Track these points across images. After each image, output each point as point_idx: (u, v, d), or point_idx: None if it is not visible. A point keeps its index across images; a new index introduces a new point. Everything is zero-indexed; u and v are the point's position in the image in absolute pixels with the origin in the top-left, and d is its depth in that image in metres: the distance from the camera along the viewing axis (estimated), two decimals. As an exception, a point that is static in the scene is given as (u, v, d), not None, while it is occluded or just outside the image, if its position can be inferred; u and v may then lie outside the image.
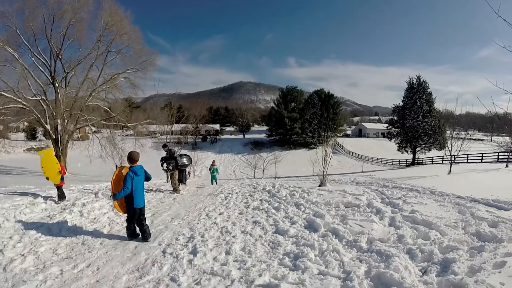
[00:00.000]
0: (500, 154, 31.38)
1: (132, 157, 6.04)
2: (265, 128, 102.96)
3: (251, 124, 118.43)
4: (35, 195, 8.76)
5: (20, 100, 25.32)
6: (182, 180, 14.44)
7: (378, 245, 5.34)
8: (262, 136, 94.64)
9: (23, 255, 4.86)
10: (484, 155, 32.61)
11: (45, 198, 8.61)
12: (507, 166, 23.06)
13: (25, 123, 40.50)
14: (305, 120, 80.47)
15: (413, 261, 4.77)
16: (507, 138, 35.81)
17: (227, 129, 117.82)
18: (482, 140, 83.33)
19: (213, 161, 21.93)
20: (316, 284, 4.16)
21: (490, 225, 6.29)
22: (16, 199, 7.90)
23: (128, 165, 6.00)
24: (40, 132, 72.42)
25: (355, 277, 4.21)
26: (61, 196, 8.63)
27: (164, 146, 13.00)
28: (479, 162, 32.03)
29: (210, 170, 20.84)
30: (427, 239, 5.68)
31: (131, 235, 6.08)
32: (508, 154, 29.81)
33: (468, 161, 32.49)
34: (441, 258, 4.72)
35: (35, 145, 66.57)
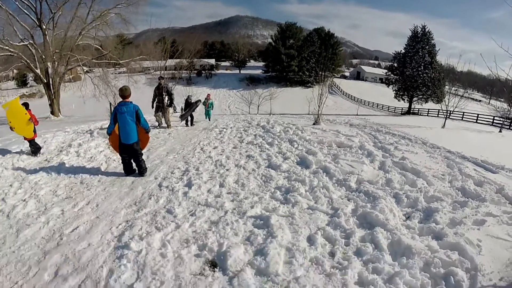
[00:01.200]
0: (495, 118, 31.44)
1: (120, 93, 6.01)
2: (261, 64, 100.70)
3: (247, 59, 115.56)
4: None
5: (7, 47, 23.84)
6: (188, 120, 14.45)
7: (366, 186, 5.54)
8: (259, 72, 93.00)
9: (24, 200, 4.90)
10: (479, 116, 32.66)
11: (41, 142, 8.51)
12: (500, 131, 23.21)
13: (15, 71, 38.95)
14: (303, 58, 78.76)
15: (398, 205, 4.97)
16: (505, 105, 35.75)
17: (223, 64, 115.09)
18: (480, 101, 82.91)
19: (208, 94, 19.77)
20: (305, 218, 4.36)
21: (476, 184, 6.36)
22: (13, 147, 7.83)
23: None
24: (30, 78, 69.62)
25: (342, 214, 4.41)
26: (36, 151, 7.52)
27: (161, 78, 12.75)
28: (474, 122, 32.04)
29: (204, 104, 18.35)
30: (414, 186, 5.87)
31: (127, 171, 6.17)
32: (503, 119, 29.92)
33: (463, 119, 32.57)
34: (425, 206, 4.90)
35: (26, 92, 64.60)
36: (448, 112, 23.86)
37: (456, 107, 23.41)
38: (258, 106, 42.03)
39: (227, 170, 6.35)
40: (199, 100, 15.25)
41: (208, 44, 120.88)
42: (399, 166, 7.11)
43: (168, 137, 10.54)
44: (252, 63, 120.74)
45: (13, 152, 7.46)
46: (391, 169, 6.74)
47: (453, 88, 27.96)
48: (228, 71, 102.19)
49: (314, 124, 14.32)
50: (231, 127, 12.42)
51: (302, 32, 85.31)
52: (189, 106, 14.34)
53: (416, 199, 5.08)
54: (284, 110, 44.37)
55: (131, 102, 5.97)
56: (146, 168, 6.26)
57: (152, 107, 12.53)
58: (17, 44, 24.98)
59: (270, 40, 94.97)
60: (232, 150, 8.31)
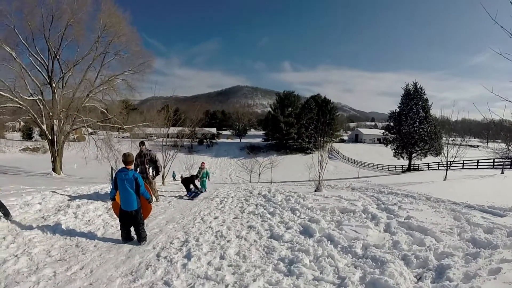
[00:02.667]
0: (495, 160, 31.49)
1: (123, 158, 6.22)
2: (261, 132, 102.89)
3: (247, 128, 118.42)
4: (30, 196, 8.67)
5: (16, 99, 25.16)
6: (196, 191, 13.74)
7: (373, 251, 5.33)
8: (259, 140, 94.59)
9: (16, 255, 4.82)
10: (479, 161, 32.71)
11: (40, 198, 8.54)
12: (502, 173, 23.09)
13: (21, 123, 40.45)
14: (302, 125, 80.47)
15: (408, 267, 4.76)
16: (503, 145, 35.97)
17: (224, 133, 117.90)
18: (478, 146, 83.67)
19: (202, 163, 17.51)
20: (310, 290, 4.14)
21: (486, 231, 6.27)
22: (10, 199, 7.81)
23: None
24: (36, 132, 72.68)
25: (350, 283, 4.20)
26: (6, 213, 6.62)
27: (142, 143, 10.93)
28: (475, 168, 32.09)
29: (198, 174, 15.99)
30: (422, 245, 5.68)
31: (124, 237, 6.07)
32: (503, 160, 29.89)
33: (464, 167, 32.55)
34: (436, 264, 4.71)
35: (31, 145, 66.59)
36: (448, 163, 23.83)
37: (455, 156, 23.42)
38: (259, 175, 42.08)
39: (228, 241, 6.15)
40: (195, 175, 14.90)
41: (210, 113, 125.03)
42: (405, 226, 6.92)
43: (168, 206, 10.44)
44: (252, 131, 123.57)
45: (11, 204, 7.37)
46: (397, 230, 6.55)
47: (450, 139, 28.11)
48: (229, 140, 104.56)
49: (315, 190, 14.20)
50: (232, 197, 12.30)
51: (299, 100, 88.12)
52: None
53: (426, 258, 4.89)
54: (285, 177, 44.47)
55: (132, 170, 6.08)
56: (146, 237, 6.12)
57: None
58: (27, 97, 26.29)
59: (269, 109, 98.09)
60: (233, 220, 8.14)
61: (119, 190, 5.97)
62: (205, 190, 15.20)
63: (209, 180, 17.83)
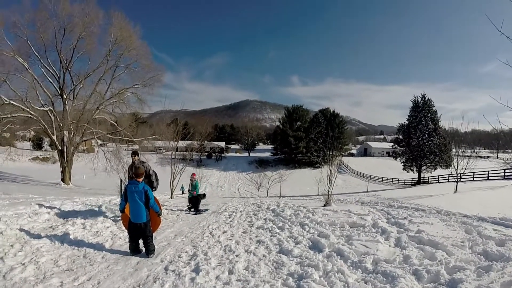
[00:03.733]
0: (506, 171, 31.14)
1: (133, 171, 6.35)
2: (270, 146, 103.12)
3: (256, 142, 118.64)
4: (39, 205, 8.76)
5: (28, 109, 25.74)
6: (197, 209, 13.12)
7: (383, 266, 5.25)
8: (267, 154, 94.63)
9: (23, 264, 4.84)
10: (490, 172, 32.35)
11: (49, 208, 8.60)
12: (513, 183, 22.84)
13: (32, 133, 41.10)
14: (310, 139, 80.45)
15: (419, 282, 4.69)
16: (513, 154, 35.75)
17: (232, 147, 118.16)
18: (488, 157, 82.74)
19: (193, 174, 15.63)
20: (320, 306, 4.09)
21: (498, 244, 6.21)
22: (19, 208, 7.90)
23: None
24: (46, 142, 73.94)
25: (360, 299, 4.15)
26: None
27: (135, 153, 9.47)
28: (485, 179, 31.75)
29: (189, 186, 14.52)
30: (433, 259, 5.60)
31: (132, 250, 6.08)
32: None
33: (475, 179, 32.22)
34: (448, 278, 4.64)
35: (40, 155, 67.40)
36: (459, 175, 23.59)
37: (465, 168, 23.18)
38: (268, 189, 41.94)
39: (236, 255, 6.12)
40: (202, 195, 14.19)
41: (219, 127, 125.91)
42: (416, 240, 6.84)
43: (176, 219, 10.48)
44: (261, 145, 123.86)
45: (20, 213, 7.43)
46: (407, 245, 6.47)
47: (460, 150, 27.89)
48: (238, 154, 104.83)
49: (324, 205, 14.11)
50: (240, 211, 12.27)
51: (308, 114, 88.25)
52: (197, 200, 13.57)
53: (438, 273, 4.81)
54: (294, 192, 44.31)
55: (142, 182, 6.13)
56: (154, 250, 6.12)
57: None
58: (38, 108, 26.90)
59: (278, 123, 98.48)
60: (242, 234, 8.10)
61: (129, 202, 6.02)
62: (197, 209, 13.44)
63: (194, 193, 15.05)
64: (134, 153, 9.46)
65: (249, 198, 25.74)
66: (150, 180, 9.11)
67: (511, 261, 5.05)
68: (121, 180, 14.40)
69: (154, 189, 9.15)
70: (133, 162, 9.23)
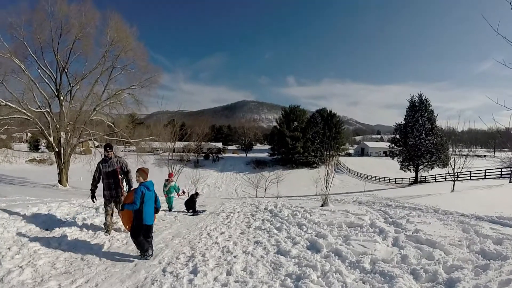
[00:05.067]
0: (503, 169, 31.27)
1: (145, 172, 6.17)
2: (267, 147, 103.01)
3: (253, 143, 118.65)
4: (36, 207, 8.72)
5: (24, 111, 25.77)
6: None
7: (381, 266, 5.27)
8: (265, 155, 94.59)
9: (21, 267, 4.83)
10: (487, 171, 32.49)
11: (46, 210, 8.57)
12: (510, 182, 22.92)
13: (29, 134, 41.01)
14: (308, 139, 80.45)
15: (417, 282, 4.70)
16: (510, 154, 35.84)
17: (230, 147, 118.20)
18: (484, 156, 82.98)
19: (169, 174, 14.67)
20: (318, 306, 4.09)
21: (495, 243, 6.23)
22: (16, 210, 7.87)
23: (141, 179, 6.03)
24: (43, 144, 73.85)
25: (358, 299, 4.15)
26: None
27: (108, 147, 7.69)
28: (482, 178, 31.90)
29: (164, 187, 13.72)
30: (431, 258, 5.63)
31: (143, 246, 5.88)
32: (511, 169, 29.70)
33: (471, 178, 32.35)
34: (446, 278, 4.65)
35: (37, 157, 67.18)
36: (456, 174, 23.67)
37: (462, 167, 23.27)
38: (265, 189, 41.95)
39: (234, 256, 6.11)
40: (195, 194, 13.78)
41: (216, 128, 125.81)
42: (413, 239, 6.87)
43: (174, 220, 10.43)
44: (258, 146, 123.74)
45: (17, 215, 7.42)
46: (405, 244, 6.49)
47: (457, 150, 27.98)
48: (235, 155, 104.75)
49: (322, 205, 14.12)
50: (238, 212, 12.26)
51: (305, 114, 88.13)
52: (192, 202, 13.16)
53: (435, 272, 4.83)
54: (291, 192, 44.33)
55: (150, 181, 6.15)
56: (152, 252, 6.08)
57: (92, 196, 7.67)
58: (35, 109, 26.99)
59: (275, 123, 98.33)
60: (239, 235, 8.10)
61: (145, 203, 5.87)
62: (171, 209, 13.12)
63: (178, 196, 15.41)
64: (109, 146, 7.71)
65: (246, 199, 25.70)
66: (128, 178, 7.85)
67: (508, 260, 5.06)
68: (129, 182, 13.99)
69: (131, 187, 7.67)
70: (106, 157, 7.64)
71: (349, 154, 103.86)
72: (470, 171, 29.80)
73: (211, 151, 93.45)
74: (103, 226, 7.76)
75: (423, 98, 52.95)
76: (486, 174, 32.49)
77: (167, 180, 13.95)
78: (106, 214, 7.62)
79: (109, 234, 7.45)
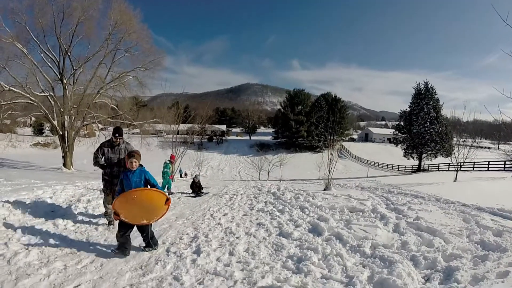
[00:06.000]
0: (506, 162, 31.18)
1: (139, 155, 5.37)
2: (271, 130, 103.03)
3: (257, 126, 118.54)
4: (41, 190, 8.79)
5: (28, 95, 25.71)
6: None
7: (381, 251, 5.33)
8: (268, 138, 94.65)
9: (27, 248, 4.86)
10: (490, 163, 32.41)
11: (51, 192, 8.65)
12: (513, 175, 22.85)
13: (33, 118, 41.11)
14: (312, 123, 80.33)
15: (416, 268, 4.74)
16: (514, 147, 35.73)
17: (233, 130, 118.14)
18: (489, 148, 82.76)
19: (171, 155, 14.35)
20: (318, 288, 4.16)
21: (495, 234, 6.24)
22: (21, 193, 7.91)
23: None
24: (47, 128, 73.86)
25: (358, 282, 4.19)
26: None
27: (117, 132, 6.62)
28: (485, 170, 31.82)
29: (165, 168, 13.19)
30: (431, 246, 5.66)
31: (120, 246, 5.10)
32: None
33: (475, 169, 32.29)
34: (445, 266, 4.69)
35: (41, 141, 67.64)
36: (459, 164, 23.64)
37: (466, 158, 23.22)
38: (268, 172, 42.11)
39: (237, 238, 6.20)
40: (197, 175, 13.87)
41: (220, 110, 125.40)
42: (414, 226, 6.91)
43: (177, 202, 10.59)
44: (262, 129, 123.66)
45: (22, 198, 7.48)
46: (406, 231, 6.54)
47: (461, 140, 27.89)
48: (239, 137, 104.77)
49: (325, 189, 14.19)
50: (241, 194, 12.37)
51: (310, 98, 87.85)
52: (198, 187, 13.19)
53: (435, 260, 4.86)
54: (294, 175, 44.47)
55: (138, 168, 5.38)
56: (157, 243, 5.54)
57: (103, 166, 6.66)
58: (38, 94, 26.93)
59: (279, 106, 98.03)
60: (242, 217, 8.20)
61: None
62: (169, 189, 12.94)
63: (171, 178, 14.36)
64: (118, 132, 6.66)
65: (249, 181, 25.86)
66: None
67: (507, 252, 5.07)
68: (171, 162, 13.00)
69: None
70: (115, 143, 6.67)
71: (353, 140, 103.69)
72: (474, 162, 29.75)
73: (215, 133, 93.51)
74: (105, 218, 6.89)
75: (429, 86, 52.56)
76: (490, 166, 32.43)
77: (169, 161, 13.62)
78: (107, 203, 6.72)
79: (113, 224, 6.54)
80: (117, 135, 6.61)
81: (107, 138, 6.90)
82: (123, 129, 6.93)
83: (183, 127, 35.38)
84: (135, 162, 5.19)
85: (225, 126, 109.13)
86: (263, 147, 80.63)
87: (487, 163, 32.59)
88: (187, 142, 31.80)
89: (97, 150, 6.72)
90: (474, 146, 25.67)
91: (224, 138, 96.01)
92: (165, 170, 13.24)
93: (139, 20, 30.86)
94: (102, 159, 6.64)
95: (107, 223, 6.73)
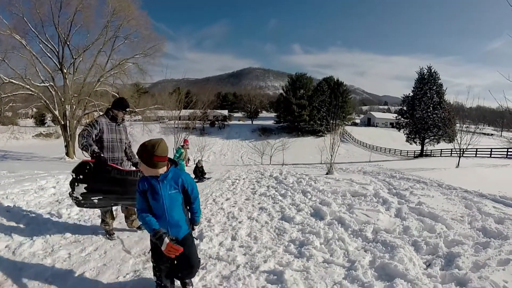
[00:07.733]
0: (509, 150, 31.13)
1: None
2: (273, 114, 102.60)
3: (259, 110, 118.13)
4: (44, 180, 8.84)
5: (28, 86, 25.76)
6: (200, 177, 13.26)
7: (383, 236, 5.34)
8: (270, 122, 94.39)
9: (32, 239, 4.85)
10: (493, 150, 32.37)
11: (54, 182, 8.68)
12: (516, 162, 22.83)
13: (34, 109, 41.14)
14: (314, 107, 79.98)
15: (418, 253, 4.77)
16: (518, 134, 35.66)
17: (235, 115, 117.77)
18: (492, 135, 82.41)
19: (185, 140, 12.64)
20: (320, 272, 4.17)
21: (497, 222, 6.24)
22: (25, 184, 7.97)
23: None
24: (48, 118, 73.94)
25: (360, 267, 4.21)
26: None
27: (124, 108, 5.24)
28: (488, 157, 31.80)
29: (178, 155, 11.59)
30: (432, 231, 5.67)
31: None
32: None
33: (477, 155, 32.28)
34: (446, 251, 4.70)
35: (44, 131, 67.74)
36: (461, 150, 23.62)
37: (469, 144, 23.20)
38: (271, 157, 42.18)
39: (239, 222, 6.23)
40: (200, 160, 14.45)
41: (221, 95, 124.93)
42: (416, 212, 6.92)
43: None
44: (264, 114, 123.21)
45: (26, 189, 7.55)
46: (407, 216, 6.55)
47: (464, 126, 27.81)
48: (241, 122, 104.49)
49: (327, 173, 14.22)
50: (243, 178, 12.39)
51: (312, 82, 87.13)
52: (201, 172, 13.71)
53: (436, 245, 4.88)
54: (297, 160, 44.50)
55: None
56: None
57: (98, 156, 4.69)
58: (38, 84, 26.97)
59: (281, 91, 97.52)
60: (244, 201, 8.23)
61: None
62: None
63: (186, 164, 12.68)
64: (126, 106, 5.30)
65: (252, 166, 25.90)
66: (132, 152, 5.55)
67: (509, 240, 5.08)
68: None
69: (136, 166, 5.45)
70: (115, 117, 5.19)
71: (355, 124, 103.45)
72: (476, 149, 29.75)
73: (217, 118, 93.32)
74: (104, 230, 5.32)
75: (432, 71, 52.11)
76: (492, 153, 32.39)
77: (182, 147, 11.93)
78: (105, 212, 5.27)
79: (113, 237, 5.23)
80: (125, 109, 5.23)
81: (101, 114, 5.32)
82: (126, 116, 5.46)
83: (184, 112, 35.40)
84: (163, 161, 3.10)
85: (227, 111, 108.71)
86: (265, 132, 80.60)
87: (489, 150, 32.57)
88: (189, 127, 31.86)
89: (91, 125, 4.91)
90: (477, 133, 25.57)
91: (226, 123, 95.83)
92: (176, 155, 11.69)
93: (137, 7, 30.62)
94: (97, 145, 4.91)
95: (107, 235, 5.26)
